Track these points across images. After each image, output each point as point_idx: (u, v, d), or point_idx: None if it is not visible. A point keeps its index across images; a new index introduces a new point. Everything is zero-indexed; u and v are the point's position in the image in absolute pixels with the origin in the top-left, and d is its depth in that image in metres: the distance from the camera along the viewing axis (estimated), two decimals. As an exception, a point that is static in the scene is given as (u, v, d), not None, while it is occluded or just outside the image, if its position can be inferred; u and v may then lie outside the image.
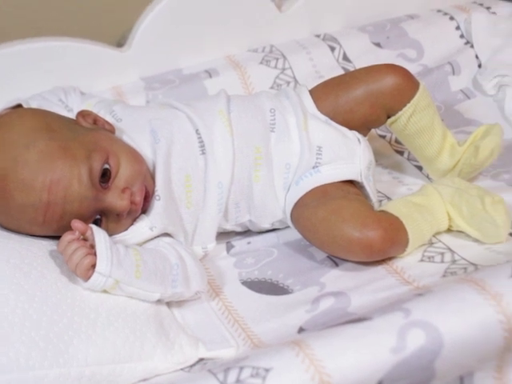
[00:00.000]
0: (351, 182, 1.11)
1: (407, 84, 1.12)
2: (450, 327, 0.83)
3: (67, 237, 0.94)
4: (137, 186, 1.00)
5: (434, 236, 1.08)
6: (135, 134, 1.07)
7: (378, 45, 1.47)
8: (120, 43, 1.41)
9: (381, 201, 1.18)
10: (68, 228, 0.95)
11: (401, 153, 1.31)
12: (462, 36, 1.50)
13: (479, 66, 1.47)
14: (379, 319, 0.85)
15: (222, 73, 1.39)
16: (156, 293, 0.96)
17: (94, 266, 0.92)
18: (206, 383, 0.81)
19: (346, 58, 1.45)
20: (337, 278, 1.04)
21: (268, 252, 1.12)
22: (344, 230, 1.01)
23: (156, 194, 1.03)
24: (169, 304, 1.01)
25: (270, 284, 1.06)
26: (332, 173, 1.09)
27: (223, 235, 1.15)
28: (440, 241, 1.08)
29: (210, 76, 1.38)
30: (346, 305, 0.98)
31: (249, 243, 1.15)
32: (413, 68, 1.41)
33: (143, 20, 1.35)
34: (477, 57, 1.48)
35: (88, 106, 1.14)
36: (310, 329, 0.95)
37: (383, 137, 1.35)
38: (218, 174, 1.08)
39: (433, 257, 1.05)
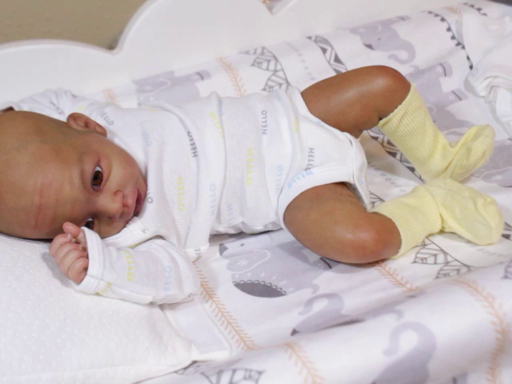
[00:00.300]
0: (344, 184, 1.11)
1: (398, 85, 1.13)
2: (443, 329, 0.83)
3: (59, 239, 0.94)
4: (129, 188, 1.00)
5: (426, 237, 1.08)
6: (127, 136, 1.07)
7: (369, 46, 1.47)
8: (111, 46, 1.41)
9: (373, 202, 1.18)
10: (60, 231, 0.95)
11: (393, 154, 1.31)
12: (453, 37, 1.50)
13: (470, 67, 1.47)
14: (372, 321, 0.85)
15: (214, 75, 1.39)
16: (148, 295, 0.96)
17: (86, 268, 0.92)
18: (198, 386, 0.81)
19: (337, 59, 1.45)
20: (330, 279, 1.04)
21: (261, 254, 1.12)
22: (336, 231, 1.01)
23: (148, 196, 1.03)
24: (162, 306, 1.01)
25: (263, 286, 1.05)
26: (324, 174, 1.09)
27: (216, 237, 1.15)
28: (433, 242, 1.08)
29: (202, 78, 1.38)
30: (339, 307, 0.98)
31: (242, 245, 1.15)
32: (404, 69, 1.41)
33: (134, 22, 1.35)
34: (468, 58, 1.48)
35: (79, 108, 1.14)
36: (303, 331, 0.95)
37: (375, 138, 1.35)
38: (211, 176, 1.07)
39: (426, 258, 1.05)
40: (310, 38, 1.47)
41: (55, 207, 0.95)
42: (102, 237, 0.97)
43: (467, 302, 0.85)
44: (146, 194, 1.03)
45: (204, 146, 1.08)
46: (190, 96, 1.34)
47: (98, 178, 0.98)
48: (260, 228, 1.14)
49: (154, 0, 1.35)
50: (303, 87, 1.19)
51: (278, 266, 1.09)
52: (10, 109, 1.15)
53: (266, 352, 0.83)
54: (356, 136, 1.16)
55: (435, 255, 1.05)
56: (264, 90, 1.39)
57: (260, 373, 0.80)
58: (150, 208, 1.02)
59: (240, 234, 1.17)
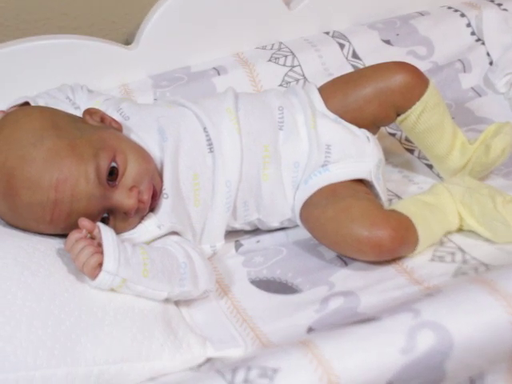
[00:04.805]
0: (361, 181, 1.10)
1: (416, 82, 1.12)
2: (460, 328, 0.82)
3: (74, 235, 0.93)
4: (144, 184, 1.00)
5: (444, 235, 1.08)
6: (143, 132, 1.07)
7: (387, 42, 1.46)
8: (128, 41, 1.41)
9: (391, 200, 1.17)
10: (75, 226, 0.94)
11: (411, 151, 1.30)
12: (472, 33, 1.49)
13: (490, 63, 1.46)
14: (388, 319, 0.84)
15: (231, 70, 1.38)
16: (163, 291, 0.96)
17: (101, 264, 0.91)
18: (213, 383, 0.80)
19: (355, 55, 1.44)
20: (346, 277, 1.03)
21: (277, 251, 1.12)
22: (353, 229, 1.01)
23: (164, 192, 1.03)
24: (177, 303, 1.01)
25: (279, 283, 1.05)
26: (341, 171, 1.08)
27: (232, 234, 1.15)
28: (451, 240, 1.07)
29: (219, 73, 1.38)
30: (355, 304, 0.97)
31: (258, 242, 1.15)
32: (423, 65, 1.40)
33: (151, 17, 1.35)
34: (488, 54, 1.47)
35: (95, 103, 1.13)
36: (319, 328, 0.95)
37: (393, 135, 1.34)
38: (226, 173, 1.07)
39: (443, 256, 1.04)
40: (327, 33, 1.47)
41: (71, 203, 0.95)
42: (118, 233, 0.97)
43: (486, 301, 0.84)
44: (161, 190, 1.03)
45: (220, 142, 1.08)
46: (206, 91, 1.33)
47: (113, 174, 0.98)
48: (276, 225, 1.14)
49: (170, -5, 1.35)
50: (320, 83, 1.19)
51: (293, 263, 1.08)
52: (26, 104, 1.15)
53: (282, 350, 0.83)
54: (373, 133, 1.15)
55: (453, 253, 1.04)
56: (281, 85, 1.38)
57: (275, 371, 0.80)
58: (165, 204, 1.02)
59: (256, 231, 1.16)
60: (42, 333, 0.86)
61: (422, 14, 1.51)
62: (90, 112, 1.05)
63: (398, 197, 1.18)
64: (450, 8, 1.53)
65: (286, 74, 1.40)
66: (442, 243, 1.07)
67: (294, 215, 1.11)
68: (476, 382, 0.86)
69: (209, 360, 0.94)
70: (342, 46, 1.44)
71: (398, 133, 1.34)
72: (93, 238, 0.95)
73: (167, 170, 1.04)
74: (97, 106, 1.11)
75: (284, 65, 1.40)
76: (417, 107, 1.11)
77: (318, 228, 1.06)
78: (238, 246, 1.14)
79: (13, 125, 0.98)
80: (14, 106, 1.15)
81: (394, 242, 1.00)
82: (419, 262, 1.03)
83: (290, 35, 1.45)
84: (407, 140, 1.31)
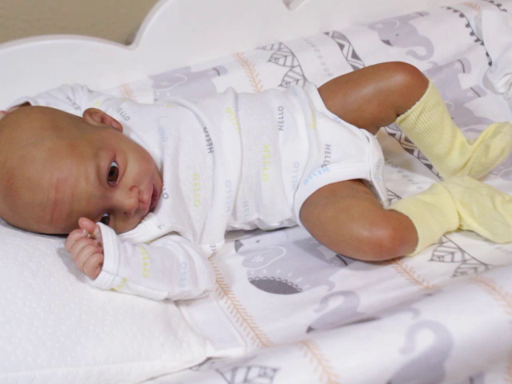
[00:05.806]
0: (360, 181, 1.10)
1: (416, 82, 1.12)
2: (460, 328, 0.82)
3: (75, 235, 0.94)
4: (144, 184, 1.00)
5: (444, 235, 1.08)
6: (143, 132, 1.07)
7: (387, 42, 1.46)
8: (128, 41, 1.41)
9: (390, 199, 1.17)
10: (76, 226, 0.95)
11: (411, 151, 1.30)
12: (472, 33, 1.49)
13: (490, 63, 1.46)
14: (388, 319, 0.84)
15: (231, 70, 1.38)
16: (163, 291, 0.96)
17: (101, 264, 0.92)
18: (213, 383, 0.81)
19: (355, 55, 1.44)
20: (346, 277, 1.03)
21: (277, 250, 1.12)
22: (353, 228, 1.01)
23: (164, 192, 1.03)
24: (177, 302, 1.01)
25: (279, 283, 1.05)
26: (341, 171, 1.08)
27: (232, 233, 1.15)
28: (450, 240, 1.07)
29: (219, 74, 1.38)
30: (354, 304, 0.97)
31: (258, 241, 1.15)
32: (422, 65, 1.40)
33: (151, 17, 1.35)
34: (487, 54, 1.47)
35: (96, 103, 1.14)
36: (318, 328, 0.95)
37: (393, 135, 1.34)
38: (226, 172, 1.07)
39: (443, 256, 1.04)
40: (327, 33, 1.47)
41: (71, 202, 0.95)
42: (118, 232, 0.97)
43: (485, 300, 0.85)
44: (161, 190, 1.03)
45: (220, 142, 1.08)
46: (206, 91, 1.34)
47: (113, 174, 0.98)
48: (276, 224, 1.14)
49: (170, -5, 1.35)
50: (320, 83, 1.19)
51: (293, 263, 1.08)
52: (27, 104, 1.15)
53: (281, 349, 0.83)
54: (373, 132, 1.15)
55: (452, 253, 1.04)
56: (281, 85, 1.38)
57: (275, 370, 0.80)
58: (165, 204, 1.02)
59: (256, 231, 1.17)
60: (42, 332, 0.86)
61: (421, 14, 1.51)
62: (90, 112, 1.05)
63: (398, 197, 1.19)
64: (449, 8, 1.53)
65: (285, 75, 1.40)
66: (441, 243, 1.07)
67: (294, 215, 1.11)
68: (475, 381, 0.86)
69: (209, 359, 0.94)
70: (341, 46, 1.44)
71: (398, 133, 1.34)
72: (93, 237, 0.95)
73: (167, 169, 1.04)
74: (97, 106, 1.12)
75: (284, 65, 1.40)
76: (416, 107, 1.12)
77: (318, 227, 1.06)
78: (237, 245, 1.14)
79: (13, 125, 0.98)
80: (15, 106, 1.15)
81: (394, 241, 1.00)
82: (419, 261, 1.03)
83: (290, 35, 1.45)
84: (407, 140, 1.31)
